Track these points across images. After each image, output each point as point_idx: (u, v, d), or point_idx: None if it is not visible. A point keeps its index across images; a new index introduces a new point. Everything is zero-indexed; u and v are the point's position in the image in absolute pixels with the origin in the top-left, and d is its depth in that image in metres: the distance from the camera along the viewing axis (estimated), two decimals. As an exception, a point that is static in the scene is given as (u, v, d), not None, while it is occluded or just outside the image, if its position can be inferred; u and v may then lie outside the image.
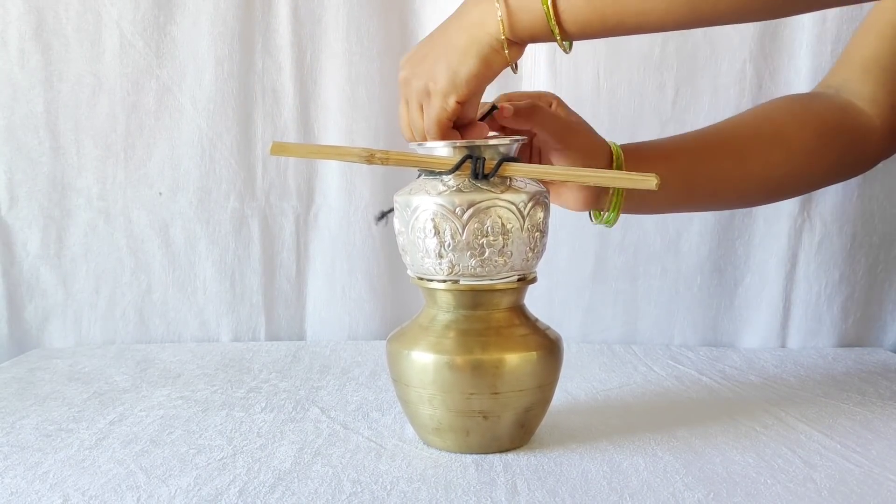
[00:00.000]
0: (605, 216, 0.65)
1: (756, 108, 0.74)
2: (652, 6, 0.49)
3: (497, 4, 0.52)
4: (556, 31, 0.52)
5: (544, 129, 0.60)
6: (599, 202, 0.64)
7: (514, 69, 0.56)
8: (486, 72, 0.54)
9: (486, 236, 0.54)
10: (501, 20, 0.52)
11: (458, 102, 0.55)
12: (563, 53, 0.56)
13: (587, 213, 0.66)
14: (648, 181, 0.52)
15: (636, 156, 0.64)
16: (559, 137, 0.60)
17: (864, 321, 0.90)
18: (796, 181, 0.71)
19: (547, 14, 0.51)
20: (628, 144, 0.65)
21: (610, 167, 0.62)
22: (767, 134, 0.69)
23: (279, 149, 0.55)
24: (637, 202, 0.65)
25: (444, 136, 0.56)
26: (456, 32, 0.54)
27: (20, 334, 0.92)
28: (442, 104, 0.55)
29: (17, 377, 0.79)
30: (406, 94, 0.58)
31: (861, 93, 0.71)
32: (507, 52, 0.53)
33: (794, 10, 0.53)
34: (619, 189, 0.62)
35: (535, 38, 0.54)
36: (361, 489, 0.51)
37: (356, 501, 0.50)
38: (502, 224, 0.54)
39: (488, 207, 0.54)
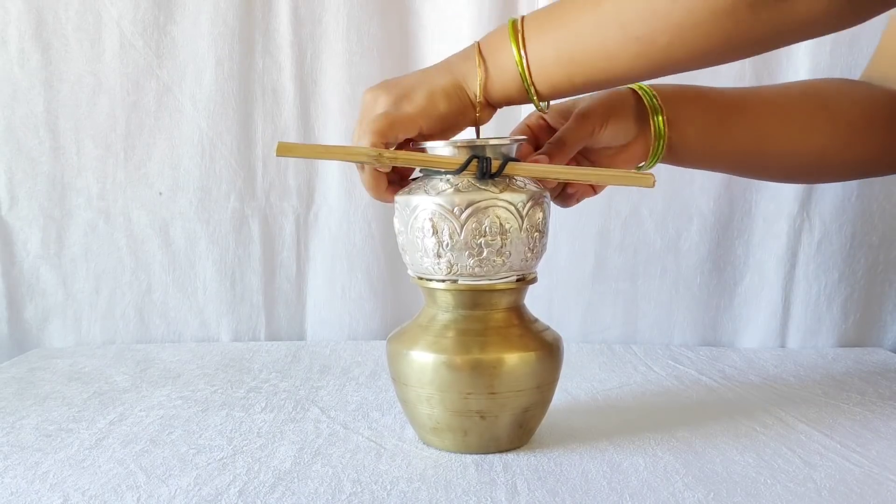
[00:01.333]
0: (649, 163, 0.65)
1: (801, 81, 0.73)
2: (616, 65, 0.52)
3: (478, 70, 0.55)
4: (532, 90, 0.55)
5: (577, 146, 0.61)
6: (638, 159, 0.64)
7: (477, 133, 0.59)
8: (455, 120, 0.57)
9: (484, 236, 0.54)
10: (480, 83, 0.55)
11: (419, 132, 0.55)
12: None
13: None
14: (647, 179, 0.55)
15: (674, 99, 0.63)
16: (584, 139, 0.61)
17: (864, 321, 0.90)
18: (841, 156, 0.68)
19: (522, 74, 0.54)
20: (665, 88, 0.64)
21: (641, 110, 0.62)
22: (811, 98, 0.68)
23: (285, 149, 0.54)
24: (680, 157, 0.64)
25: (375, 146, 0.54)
26: (441, 75, 0.57)
27: (20, 334, 0.92)
28: (402, 121, 0.54)
29: (17, 377, 0.79)
30: (364, 110, 0.57)
31: None
32: (478, 113, 0.56)
33: (748, 52, 0.54)
34: (661, 137, 0.62)
35: (511, 101, 0.56)
36: (361, 489, 0.51)
37: (356, 501, 0.50)
38: (500, 224, 0.54)
39: (486, 207, 0.54)
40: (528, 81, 0.54)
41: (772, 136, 0.66)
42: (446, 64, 0.57)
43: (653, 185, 0.55)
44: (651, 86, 0.63)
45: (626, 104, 0.62)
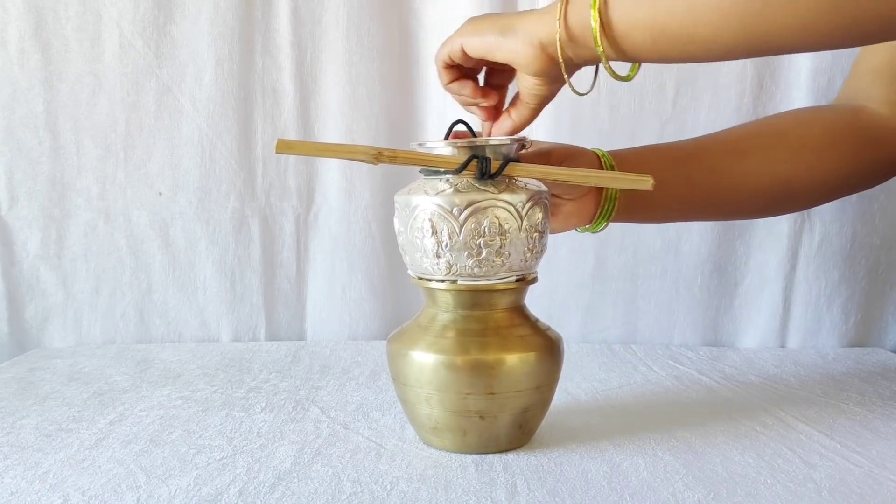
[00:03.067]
0: (595, 224, 0.65)
1: (760, 119, 0.74)
2: (702, 25, 0.47)
3: (558, 22, 0.51)
4: (602, 47, 0.50)
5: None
6: (586, 217, 0.64)
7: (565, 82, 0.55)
8: (498, 49, 0.54)
9: (483, 236, 0.54)
10: (559, 35, 0.52)
11: (461, 52, 0.55)
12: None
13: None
14: (645, 181, 0.55)
15: (630, 158, 0.64)
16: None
17: (865, 323, 0.90)
18: (807, 181, 0.68)
19: (594, 31, 0.50)
20: (619, 150, 0.65)
21: (598, 166, 0.62)
22: (767, 132, 0.68)
23: (285, 146, 0.53)
24: (635, 209, 0.64)
25: (446, 72, 0.58)
26: (515, 19, 0.54)
27: (20, 334, 0.92)
28: (451, 37, 0.56)
29: (17, 377, 0.79)
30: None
31: (874, 96, 0.70)
32: (561, 60, 0.52)
33: (862, 38, 0.49)
34: (611, 199, 0.62)
35: (578, 52, 0.52)
36: (361, 489, 0.51)
37: (356, 501, 0.50)
38: (500, 224, 0.54)
39: (486, 208, 0.54)
40: (598, 40, 0.50)
41: (729, 175, 0.66)
42: (521, 15, 0.55)
43: (651, 188, 0.55)
44: (610, 152, 0.64)
45: (585, 157, 0.62)
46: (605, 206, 0.63)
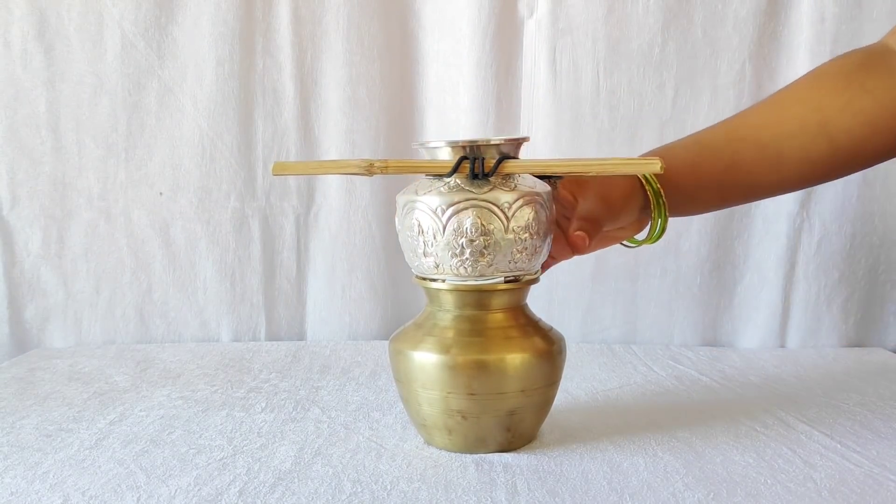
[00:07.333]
0: (648, 234, 0.64)
1: (796, 93, 0.66)
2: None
3: None
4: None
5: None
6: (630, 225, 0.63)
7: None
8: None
9: (465, 236, 0.54)
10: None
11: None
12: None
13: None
14: (653, 165, 0.51)
15: (678, 152, 0.63)
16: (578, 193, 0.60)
17: (865, 322, 0.90)
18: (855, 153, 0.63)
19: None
20: (662, 148, 0.65)
21: (643, 194, 0.61)
22: (812, 122, 0.62)
23: (281, 168, 0.56)
24: (673, 209, 0.62)
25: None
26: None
27: (20, 334, 0.92)
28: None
29: (17, 377, 0.79)
30: None
31: None
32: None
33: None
34: (660, 210, 0.62)
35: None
36: (361, 489, 0.51)
37: (356, 501, 0.50)
38: (482, 225, 0.53)
39: (467, 208, 0.53)
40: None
41: (766, 184, 0.65)
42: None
43: (661, 171, 0.51)
44: (656, 151, 0.64)
45: (621, 181, 0.61)
46: (656, 212, 0.62)
